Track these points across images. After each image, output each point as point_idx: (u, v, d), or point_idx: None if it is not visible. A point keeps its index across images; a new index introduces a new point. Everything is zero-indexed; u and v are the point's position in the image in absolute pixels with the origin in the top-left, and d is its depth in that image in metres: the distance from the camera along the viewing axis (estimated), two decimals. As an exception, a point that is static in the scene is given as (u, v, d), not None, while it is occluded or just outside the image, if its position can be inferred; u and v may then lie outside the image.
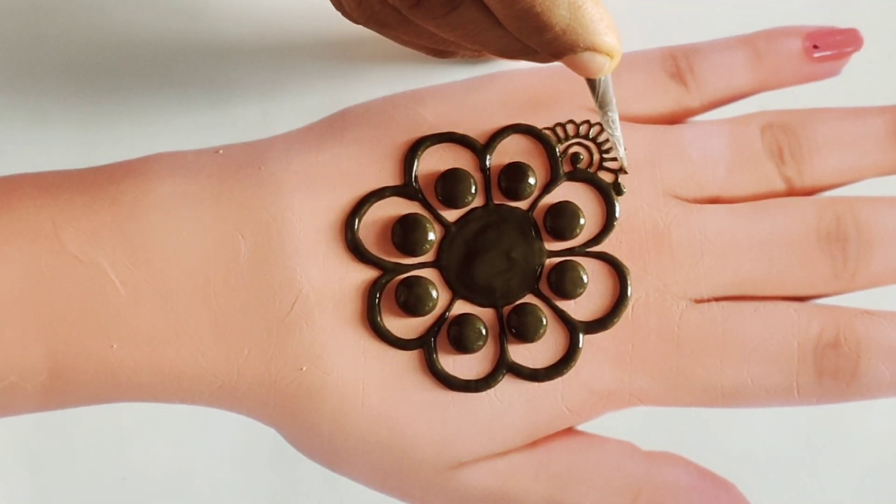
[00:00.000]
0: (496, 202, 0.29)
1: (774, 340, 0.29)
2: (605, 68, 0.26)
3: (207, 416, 0.30)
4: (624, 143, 0.29)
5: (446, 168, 0.29)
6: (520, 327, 0.28)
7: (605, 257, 0.29)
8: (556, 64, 0.30)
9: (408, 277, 0.28)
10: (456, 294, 0.29)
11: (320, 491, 0.35)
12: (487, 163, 0.29)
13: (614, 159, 0.29)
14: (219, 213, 0.28)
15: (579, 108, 0.30)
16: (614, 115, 0.28)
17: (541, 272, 0.29)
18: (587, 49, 0.26)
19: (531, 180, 0.29)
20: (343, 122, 0.30)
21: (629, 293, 0.29)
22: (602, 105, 0.28)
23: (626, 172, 0.29)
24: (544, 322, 0.28)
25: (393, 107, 0.30)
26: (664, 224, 0.29)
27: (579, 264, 0.29)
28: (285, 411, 0.28)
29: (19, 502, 0.35)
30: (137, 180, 0.28)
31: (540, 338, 0.28)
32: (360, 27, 0.30)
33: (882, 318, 0.29)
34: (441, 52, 0.33)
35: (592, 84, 0.28)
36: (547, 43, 0.26)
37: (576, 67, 0.26)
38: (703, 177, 0.30)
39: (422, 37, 0.29)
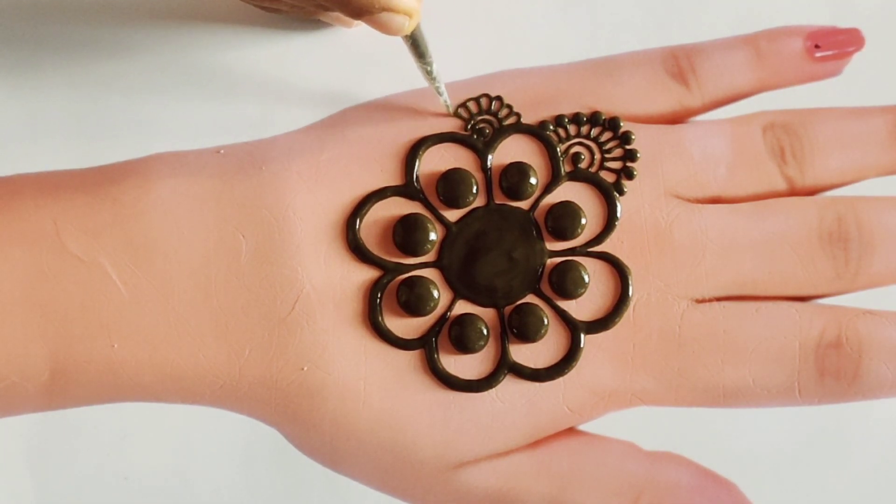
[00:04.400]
0: (497, 202, 0.29)
1: (776, 340, 0.29)
2: (404, 28, 0.27)
3: (209, 417, 0.30)
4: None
5: (447, 168, 0.29)
6: (521, 327, 0.28)
7: (606, 257, 0.29)
8: (558, 64, 0.30)
9: (409, 277, 0.28)
10: (457, 294, 0.29)
11: (321, 491, 0.35)
12: (489, 162, 0.29)
13: (616, 159, 0.29)
14: (220, 213, 0.28)
15: (581, 107, 0.30)
16: (431, 67, 0.29)
17: (542, 272, 0.29)
18: (384, 9, 0.26)
19: (532, 180, 0.29)
20: (344, 122, 0.30)
21: (630, 293, 0.28)
22: (418, 58, 0.29)
23: (456, 116, 0.29)
24: (546, 322, 0.28)
25: (394, 106, 0.30)
26: (666, 224, 0.29)
27: (580, 264, 0.29)
28: (286, 411, 0.28)
29: (21, 502, 0.35)
30: (138, 180, 0.28)
31: (541, 338, 0.28)
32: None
33: (884, 318, 0.29)
34: (267, 7, 0.34)
35: (405, 40, 0.28)
36: (344, 3, 0.26)
37: (377, 27, 0.27)
38: (704, 176, 0.29)
39: None
